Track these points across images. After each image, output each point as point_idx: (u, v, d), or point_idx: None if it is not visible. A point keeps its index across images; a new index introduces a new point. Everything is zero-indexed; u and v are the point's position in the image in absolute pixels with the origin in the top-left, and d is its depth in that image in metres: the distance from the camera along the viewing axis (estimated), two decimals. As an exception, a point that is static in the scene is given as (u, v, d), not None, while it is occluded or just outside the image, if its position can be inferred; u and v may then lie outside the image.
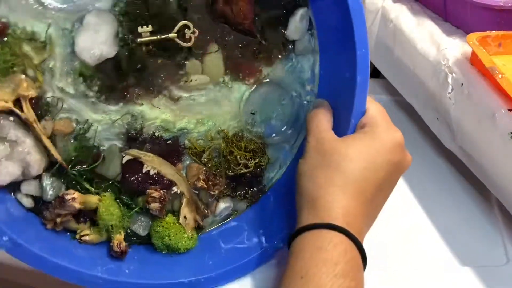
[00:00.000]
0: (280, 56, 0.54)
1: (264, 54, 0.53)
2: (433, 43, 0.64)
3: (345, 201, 0.43)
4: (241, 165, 0.54)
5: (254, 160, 0.55)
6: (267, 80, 0.54)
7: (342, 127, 0.48)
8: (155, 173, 0.52)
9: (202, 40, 0.50)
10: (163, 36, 0.49)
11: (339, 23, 0.49)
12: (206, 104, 0.52)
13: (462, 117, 0.58)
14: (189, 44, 0.50)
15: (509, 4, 0.59)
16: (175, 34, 0.49)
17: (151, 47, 0.49)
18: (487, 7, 0.60)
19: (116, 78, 0.49)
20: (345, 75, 0.49)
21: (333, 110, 0.50)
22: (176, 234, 0.53)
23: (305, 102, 0.55)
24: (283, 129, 0.56)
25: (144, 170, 0.51)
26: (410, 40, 0.67)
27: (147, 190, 0.51)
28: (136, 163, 0.51)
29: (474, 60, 0.58)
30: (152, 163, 0.51)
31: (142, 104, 0.50)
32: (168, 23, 0.49)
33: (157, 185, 0.52)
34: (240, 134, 0.54)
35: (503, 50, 0.60)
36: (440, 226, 0.60)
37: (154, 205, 0.51)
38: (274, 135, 0.56)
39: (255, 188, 0.57)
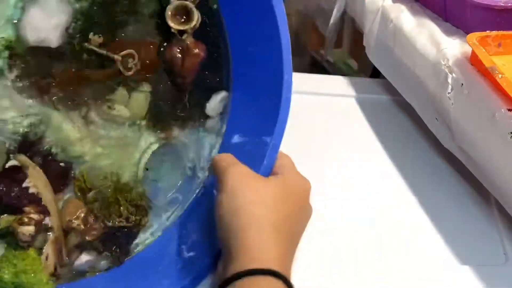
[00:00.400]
0: (192, 124, 0.54)
1: (183, 116, 0.54)
2: (433, 43, 0.64)
3: (278, 243, 0.42)
4: (122, 217, 0.51)
5: (136, 216, 0.52)
6: (173, 141, 0.54)
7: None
8: (33, 193, 0.45)
9: (139, 74, 0.50)
10: (109, 54, 0.48)
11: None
12: (114, 140, 0.51)
13: (461, 117, 0.58)
14: (128, 73, 0.49)
15: (509, 4, 0.59)
16: (120, 58, 0.49)
17: (92, 57, 0.48)
18: (487, 7, 0.60)
19: (44, 71, 0.46)
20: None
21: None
22: (34, 273, 0.43)
23: (196, 177, 0.55)
24: (167, 196, 0.55)
25: (24, 185, 0.44)
26: (410, 40, 0.67)
27: (24, 208, 0.44)
28: (18, 173, 0.45)
29: (474, 60, 0.58)
30: (36, 181, 0.45)
31: (57, 110, 0.47)
32: (119, 45, 0.49)
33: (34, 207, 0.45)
34: (131, 184, 0.52)
35: (503, 50, 0.60)
36: (438, 226, 0.60)
37: (28, 229, 0.43)
38: (157, 198, 0.54)
39: (122, 249, 0.52)
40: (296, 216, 0.46)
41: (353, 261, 0.56)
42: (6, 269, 0.42)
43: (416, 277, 0.54)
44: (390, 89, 0.77)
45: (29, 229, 0.43)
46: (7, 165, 0.44)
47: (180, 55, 0.50)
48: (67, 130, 0.48)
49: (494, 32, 0.59)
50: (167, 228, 0.54)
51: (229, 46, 0.54)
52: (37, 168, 0.45)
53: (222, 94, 0.55)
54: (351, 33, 1.03)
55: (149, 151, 0.53)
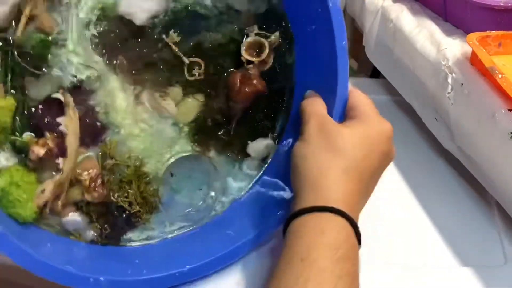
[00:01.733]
0: (231, 153, 0.56)
1: (224, 140, 0.55)
2: (433, 43, 0.64)
3: (347, 186, 0.43)
4: (127, 200, 0.52)
5: (139, 207, 0.52)
6: (207, 158, 0.55)
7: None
8: (62, 131, 0.48)
9: (197, 83, 0.53)
10: (180, 54, 0.51)
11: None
12: (153, 129, 0.52)
13: (461, 117, 0.58)
14: (190, 78, 0.52)
15: (509, 4, 0.59)
16: (188, 62, 0.52)
17: (164, 50, 0.51)
18: (487, 7, 0.60)
19: (120, 39, 0.50)
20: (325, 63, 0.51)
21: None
22: (24, 192, 0.46)
23: (213, 210, 0.56)
24: (185, 210, 0.55)
25: (58, 119, 0.48)
26: (410, 40, 0.67)
27: (46, 133, 0.47)
28: (58, 107, 0.48)
29: (474, 60, 0.58)
30: (69, 123, 0.48)
31: (116, 75, 0.50)
32: (193, 49, 0.52)
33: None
34: (150, 178, 0.53)
35: (503, 50, 0.60)
36: (438, 226, 0.60)
37: (38, 149, 0.45)
38: (173, 207, 0.54)
39: (113, 231, 0.52)
40: (373, 161, 0.46)
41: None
42: (3, 176, 0.45)
43: (415, 277, 0.54)
44: (390, 89, 0.77)
45: (40, 151, 0.45)
46: (53, 95, 0.48)
47: (239, 82, 0.52)
48: (117, 97, 0.51)
49: (494, 32, 0.59)
50: (165, 240, 0.54)
51: (292, 101, 0.56)
52: (76, 113, 0.48)
53: (268, 142, 0.56)
54: (351, 33, 1.03)
55: (179, 155, 0.54)
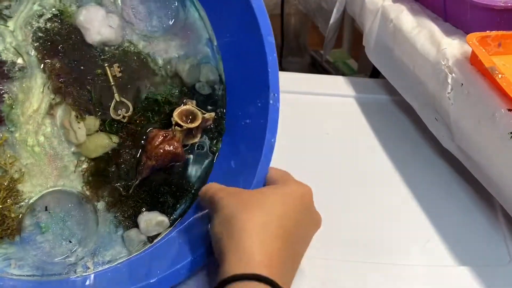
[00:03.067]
0: (117, 213, 0.52)
1: (119, 193, 0.51)
2: (433, 43, 0.64)
3: (271, 245, 0.41)
4: None
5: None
6: (93, 209, 0.50)
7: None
8: None
9: (118, 124, 0.51)
10: (114, 89, 0.50)
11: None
12: (49, 148, 0.49)
13: (461, 117, 0.58)
14: (113, 115, 0.50)
15: (509, 4, 0.59)
16: (118, 100, 0.50)
17: (102, 76, 0.50)
18: (487, 7, 0.60)
19: (67, 47, 0.49)
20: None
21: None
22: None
23: (71, 271, 0.49)
24: (31, 257, 0.48)
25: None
26: (410, 40, 0.67)
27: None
28: None
29: (474, 60, 0.58)
30: None
31: (43, 73, 0.48)
32: (128, 91, 0.51)
33: None
34: (20, 198, 0.47)
35: (503, 50, 0.60)
36: (440, 226, 0.60)
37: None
38: (24, 245, 0.48)
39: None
40: (296, 220, 0.45)
41: (354, 262, 0.56)
42: None
43: (419, 277, 0.54)
44: (390, 89, 0.77)
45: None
46: None
47: (161, 137, 0.50)
48: (32, 97, 0.48)
49: (494, 32, 0.59)
50: None
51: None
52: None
53: (163, 220, 0.52)
54: (351, 33, 1.03)
55: (62, 188, 0.49)
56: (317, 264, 0.54)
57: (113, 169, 0.51)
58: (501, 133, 0.52)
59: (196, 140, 0.53)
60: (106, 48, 0.50)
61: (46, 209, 0.48)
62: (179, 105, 0.53)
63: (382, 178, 0.66)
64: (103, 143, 0.50)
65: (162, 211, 0.53)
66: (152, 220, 0.52)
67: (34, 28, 0.48)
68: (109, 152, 0.51)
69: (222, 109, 0.56)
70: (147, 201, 0.52)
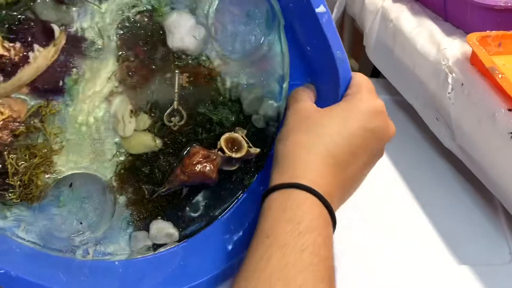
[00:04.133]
0: (133, 213, 0.52)
1: (142, 194, 0.51)
2: (433, 43, 0.64)
3: (312, 162, 0.43)
4: (16, 167, 0.47)
5: (19, 184, 0.47)
6: (113, 200, 0.50)
7: (331, 100, 0.48)
8: (27, 58, 0.45)
9: (166, 130, 0.51)
10: (175, 95, 0.50)
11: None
12: (94, 131, 0.49)
13: (462, 117, 0.58)
14: (165, 121, 0.50)
15: (509, 4, 0.59)
16: (175, 107, 0.50)
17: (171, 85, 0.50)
18: (487, 7, 0.60)
19: (149, 44, 0.49)
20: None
21: (321, 86, 0.51)
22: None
23: (72, 252, 0.50)
24: (41, 225, 0.49)
25: (35, 45, 0.45)
26: (410, 40, 0.68)
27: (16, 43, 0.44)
28: (44, 35, 0.45)
29: (474, 60, 0.58)
30: (41, 58, 0.45)
31: (114, 64, 0.48)
32: (188, 102, 0.52)
33: None
34: (52, 169, 0.48)
35: (503, 50, 0.60)
36: (442, 225, 0.60)
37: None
38: (38, 214, 0.48)
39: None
40: (356, 143, 0.44)
41: (353, 261, 0.56)
42: None
43: (420, 276, 0.54)
44: (390, 89, 0.77)
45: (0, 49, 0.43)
46: (52, 24, 0.45)
47: (200, 156, 0.50)
48: (98, 78, 0.48)
49: (494, 32, 0.59)
50: None
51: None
52: (55, 56, 0.45)
53: (173, 232, 0.52)
54: (351, 33, 1.03)
55: (91, 172, 0.49)
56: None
57: (146, 170, 0.51)
58: (501, 133, 0.52)
59: (232, 169, 0.53)
60: (183, 56, 0.49)
61: (70, 186, 0.49)
62: (230, 131, 0.52)
63: (383, 177, 0.66)
64: (147, 143, 0.50)
65: (176, 225, 0.53)
66: (163, 229, 0.52)
67: (124, 16, 0.47)
68: (149, 153, 0.51)
69: (268, 148, 0.55)
70: (165, 211, 0.53)
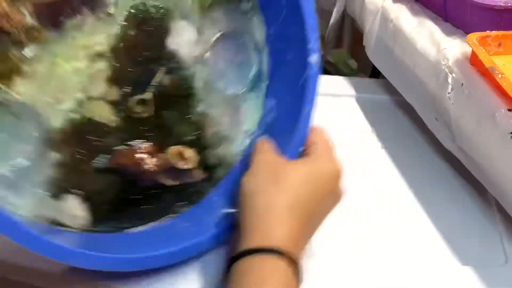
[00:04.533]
0: None
1: None
2: (433, 43, 0.64)
3: (292, 224, 0.44)
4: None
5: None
6: None
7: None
8: None
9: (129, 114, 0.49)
10: (153, 85, 0.50)
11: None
12: None
13: (462, 117, 0.58)
14: (133, 107, 0.49)
15: (509, 4, 0.59)
16: (146, 97, 0.50)
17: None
18: (487, 7, 0.60)
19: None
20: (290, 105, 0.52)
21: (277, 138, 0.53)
22: None
23: None
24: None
25: None
26: (410, 40, 0.67)
27: None
28: None
29: (474, 60, 0.58)
30: None
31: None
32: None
33: None
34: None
35: (503, 50, 0.60)
36: (438, 226, 0.60)
37: None
38: None
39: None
40: (318, 199, 0.47)
41: (351, 261, 0.55)
42: None
43: (416, 277, 0.54)
44: (390, 89, 0.77)
45: None
46: None
47: (145, 150, 0.49)
48: (96, 35, 0.48)
49: (494, 32, 0.59)
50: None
51: None
52: None
53: (78, 215, 0.49)
54: (351, 33, 1.03)
55: None
56: (315, 264, 0.54)
57: (92, 139, 0.49)
58: (501, 133, 0.52)
59: (168, 183, 0.51)
60: (173, 60, 0.50)
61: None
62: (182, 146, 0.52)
63: (382, 177, 0.66)
64: (105, 113, 0.49)
65: (94, 209, 0.50)
66: (72, 208, 0.49)
67: (143, 0, 0.48)
68: (101, 124, 0.49)
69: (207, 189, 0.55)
70: (87, 191, 0.50)
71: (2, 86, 0.45)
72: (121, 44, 0.48)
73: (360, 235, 0.58)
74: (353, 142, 0.72)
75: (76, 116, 0.48)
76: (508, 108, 0.52)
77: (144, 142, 0.50)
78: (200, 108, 0.52)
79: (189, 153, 0.51)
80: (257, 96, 0.54)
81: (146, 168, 0.49)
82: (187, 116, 0.52)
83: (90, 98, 0.48)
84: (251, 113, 0.54)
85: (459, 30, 0.66)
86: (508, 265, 0.55)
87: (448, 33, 0.65)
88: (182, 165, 0.50)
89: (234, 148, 0.54)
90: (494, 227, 0.60)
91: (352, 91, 0.80)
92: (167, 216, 0.53)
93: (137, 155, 0.49)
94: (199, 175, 0.51)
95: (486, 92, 0.55)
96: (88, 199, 0.49)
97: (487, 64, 0.54)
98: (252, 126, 0.55)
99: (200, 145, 0.53)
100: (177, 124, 0.52)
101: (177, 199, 0.53)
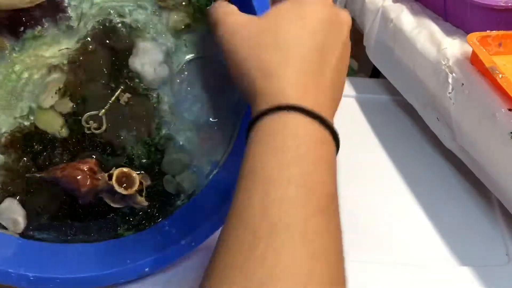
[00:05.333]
0: None
1: None
2: (433, 43, 0.64)
3: (289, 77, 0.36)
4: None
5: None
6: None
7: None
8: None
9: (81, 130, 0.49)
10: (110, 103, 0.49)
11: None
12: None
13: (462, 117, 0.58)
14: (84, 123, 0.48)
15: (509, 4, 0.59)
16: (100, 114, 0.49)
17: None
18: (487, 7, 0.60)
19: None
20: None
21: None
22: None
23: None
24: None
25: None
26: (410, 40, 0.67)
27: None
28: None
29: (474, 60, 0.58)
30: None
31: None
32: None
33: None
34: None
35: (503, 50, 0.60)
36: (440, 226, 0.60)
37: None
38: None
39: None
40: (322, 43, 0.39)
41: (351, 261, 0.55)
42: None
43: (417, 277, 0.54)
44: (390, 89, 0.77)
45: None
46: None
47: (87, 167, 0.47)
48: (55, 46, 0.47)
49: (494, 32, 0.59)
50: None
51: None
52: None
53: (16, 219, 0.49)
54: (351, 33, 1.03)
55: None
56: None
57: (38, 148, 0.49)
58: (502, 133, 0.52)
59: (113, 205, 0.49)
60: (136, 80, 0.49)
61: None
62: (136, 170, 0.49)
63: (383, 178, 0.66)
64: (54, 124, 0.48)
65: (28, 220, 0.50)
66: (12, 212, 0.49)
67: (110, 17, 0.47)
68: (50, 135, 0.48)
69: (157, 218, 0.52)
70: (27, 194, 0.50)
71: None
72: (80, 58, 0.47)
73: (360, 235, 0.58)
74: (353, 142, 0.71)
75: (25, 123, 0.49)
76: (508, 108, 0.52)
77: (89, 158, 0.49)
78: (163, 132, 0.50)
79: (132, 177, 0.48)
80: (232, 130, 0.51)
81: (81, 183, 0.47)
82: (145, 138, 0.50)
83: (41, 108, 0.48)
84: (223, 145, 0.51)
85: (459, 30, 0.66)
86: (510, 264, 0.55)
87: (448, 33, 0.65)
88: (118, 188, 0.46)
89: (196, 178, 0.52)
90: (496, 226, 0.60)
91: (352, 91, 0.80)
92: (112, 236, 0.51)
93: (75, 172, 0.47)
94: (142, 202, 0.48)
95: (486, 92, 0.55)
96: (29, 205, 0.50)
97: (487, 64, 0.54)
98: (223, 158, 0.52)
99: (155, 170, 0.50)
100: (130, 145, 0.49)
101: (123, 221, 0.51)
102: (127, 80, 0.49)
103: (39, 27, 0.47)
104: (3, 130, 0.48)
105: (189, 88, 0.50)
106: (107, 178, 0.47)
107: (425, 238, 0.59)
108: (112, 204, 0.48)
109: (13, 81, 0.48)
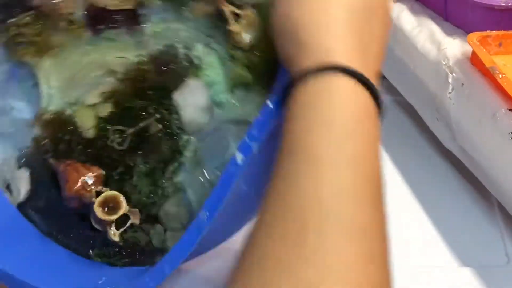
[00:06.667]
0: None
1: None
2: (434, 42, 0.64)
3: (335, 27, 0.32)
4: None
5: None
6: None
7: None
8: None
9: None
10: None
11: None
12: None
13: (462, 117, 0.58)
14: (109, 133, 0.48)
15: (509, 4, 0.59)
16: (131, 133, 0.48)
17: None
18: (487, 7, 0.60)
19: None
20: None
21: None
22: None
23: None
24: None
25: None
26: (410, 40, 0.67)
27: None
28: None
29: (474, 60, 0.58)
30: None
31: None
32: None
33: None
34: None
35: (503, 49, 0.60)
36: (439, 226, 0.60)
37: None
38: None
39: None
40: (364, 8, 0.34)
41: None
42: None
43: (416, 278, 0.54)
44: (390, 89, 0.77)
45: None
46: None
47: (76, 177, 0.46)
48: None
49: (494, 32, 0.59)
50: None
51: None
52: None
53: None
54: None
55: None
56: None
57: (65, 136, 0.49)
58: (502, 133, 0.52)
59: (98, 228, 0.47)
60: (173, 115, 0.47)
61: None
62: (135, 206, 0.46)
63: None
64: (86, 120, 0.49)
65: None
66: (19, 180, 0.50)
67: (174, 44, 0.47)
68: (79, 129, 0.49)
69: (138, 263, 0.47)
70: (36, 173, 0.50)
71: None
72: (134, 72, 0.48)
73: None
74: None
75: (69, 110, 0.49)
76: (509, 108, 0.52)
77: (97, 167, 0.47)
78: (177, 178, 0.46)
79: (119, 206, 0.45)
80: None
81: (66, 189, 0.46)
82: (156, 176, 0.47)
83: (83, 103, 0.49)
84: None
85: (459, 29, 0.66)
86: (510, 265, 0.55)
87: (448, 32, 0.65)
88: (96, 208, 0.44)
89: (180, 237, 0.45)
90: (495, 227, 0.60)
91: (352, 91, 0.80)
92: (84, 255, 0.49)
93: (73, 173, 0.46)
94: (112, 236, 0.45)
95: (486, 92, 0.55)
96: (34, 184, 0.50)
97: (487, 64, 0.54)
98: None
99: (150, 213, 0.47)
100: (139, 176, 0.47)
101: (99, 245, 0.48)
102: (164, 111, 0.47)
103: (116, 31, 0.48)
104: (50, 107, 0.49)
105: (220, 145, 0.45)
106: (95, 194, 0.45)
107: (424, 238, 0.59)
108: (92, 222, 0.46)
109: (77, 70, 0.49)
